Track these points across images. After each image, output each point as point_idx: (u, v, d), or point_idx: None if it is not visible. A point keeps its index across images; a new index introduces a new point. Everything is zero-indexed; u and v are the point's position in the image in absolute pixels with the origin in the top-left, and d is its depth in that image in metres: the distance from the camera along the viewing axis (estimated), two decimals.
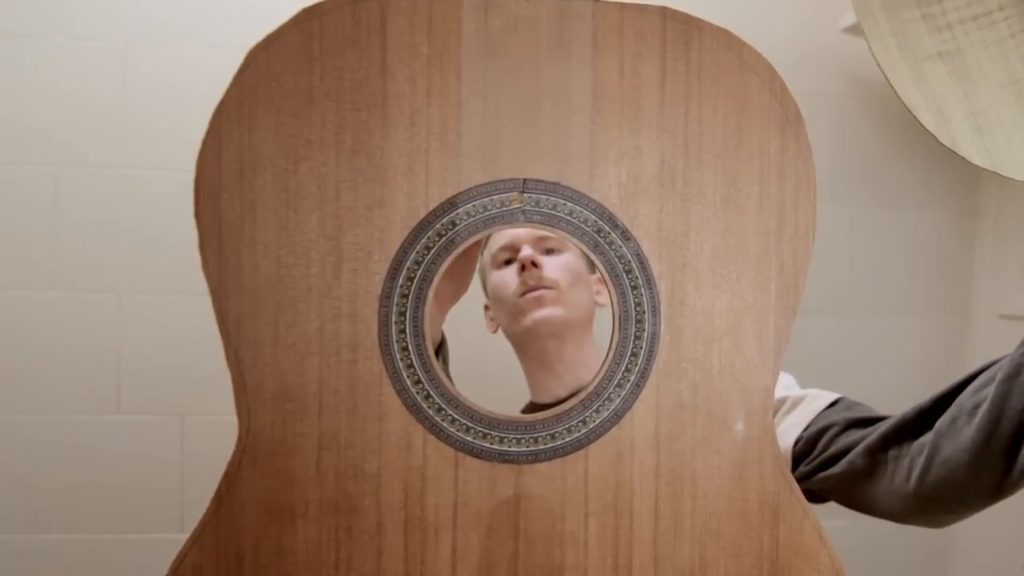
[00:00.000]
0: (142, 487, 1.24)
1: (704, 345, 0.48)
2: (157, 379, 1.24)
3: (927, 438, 0.63)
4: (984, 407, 0.58)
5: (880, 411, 0.72)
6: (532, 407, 0.86)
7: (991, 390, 0.58)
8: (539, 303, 0.78)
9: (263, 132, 0.45)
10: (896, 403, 0.76)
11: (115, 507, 1.24)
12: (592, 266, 0.86)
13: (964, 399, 0.61)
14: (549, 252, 0.82)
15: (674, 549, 0.48)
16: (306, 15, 0.45)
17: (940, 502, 0.62)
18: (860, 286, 1.40)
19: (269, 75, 0.45)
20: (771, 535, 0.49)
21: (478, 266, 0.90)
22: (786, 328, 0.49)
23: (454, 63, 0.46)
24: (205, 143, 0.45)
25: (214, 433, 1.24)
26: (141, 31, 1.22)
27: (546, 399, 0.83)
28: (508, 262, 0.83)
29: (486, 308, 0.90)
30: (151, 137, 1.22)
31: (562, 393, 0.83)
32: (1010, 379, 0.57)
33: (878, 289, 1.40)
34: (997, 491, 0.60)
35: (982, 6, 0.47)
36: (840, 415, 0.72)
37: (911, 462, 0.63)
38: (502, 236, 0.82)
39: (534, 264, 0.78)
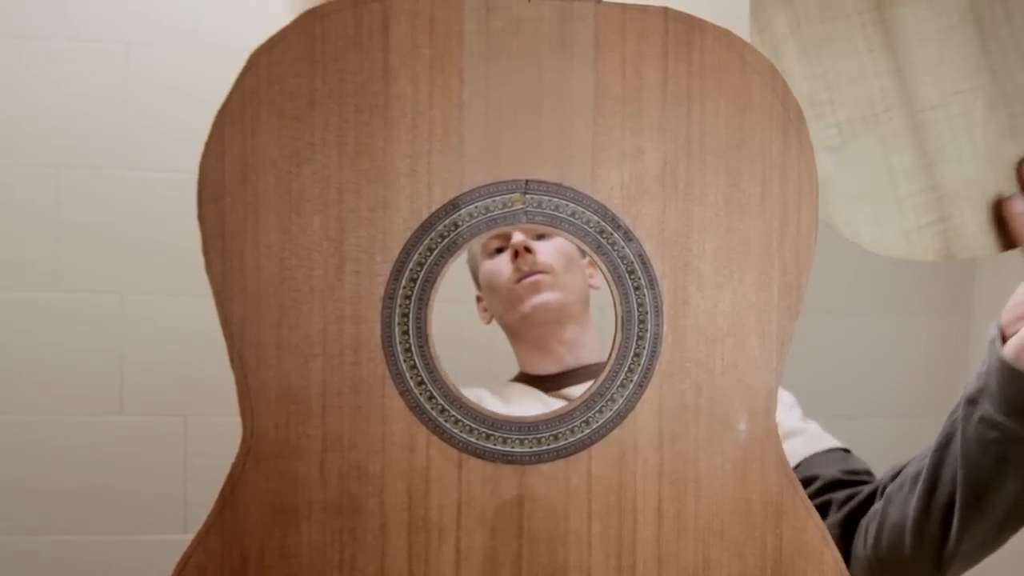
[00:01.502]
0: (144, 488, 1.24)
1: (707, 345, 0.48)
2: (159, 380, 1.24)
3: (880, 503, 0.61)
4: (922, 475, 0.56)
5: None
6: (524, 378, 0.86)
7: (927, 459, 0.57)
8: (536, 288, 0.77)
9: (266, 135, 0.45)
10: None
11: (117, 508, 1.24)
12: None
13: (910, 465, 0.59)
14: (540, 237, 0.80)
15: (677, 549, 0.48)
16: (308, 17, 0.45)
17: (892, 571, 0.60)
18: (862, 285, 1.40)
19: (271, 77, 0.45)
20: (774, 535, 0.49)
21: (467, 256, 0.88)
22: (789, 328, 0.49)
23: (456, 65, 0.46)
24: (208, 146, 0.45)
25: (216, 434, 1.24)
26: (142, 33, 1.22)
27: (538, 372, 0.83)
28: (500, 250, 0.82)
29: (478, 299, 0.89)
30: (153, 139, 1.22)
31: (554, 369, 0.82)
32: (942, 448, 0.56)
33: (880, 288, 1.40)
34: (938, 565, 0.57)
35: (870, 108, 0.53)
36: (832, 469, 0.68)
37: (867, 527, 0.61)
38: None
39: (527, 250, 0.77)
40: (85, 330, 1.21)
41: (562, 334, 0.80)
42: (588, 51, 0.47)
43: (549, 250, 0.79)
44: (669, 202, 0.48)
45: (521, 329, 0.81)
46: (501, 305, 0.81)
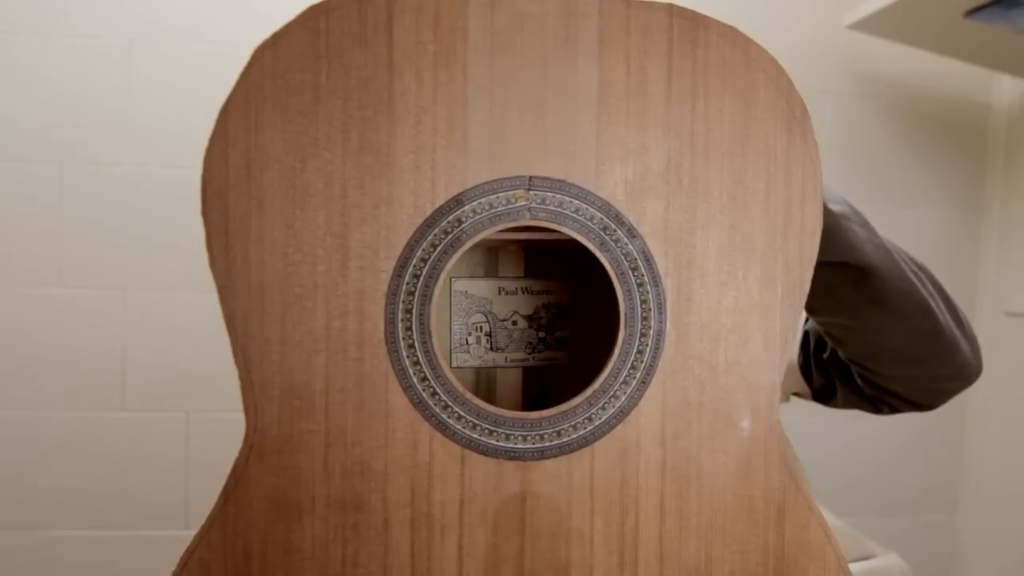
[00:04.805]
0: (147, 484, 1.24)
1: (710, 342, 0.48)
2: (162, 376, 1.24)
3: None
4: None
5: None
6: None
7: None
8: None
9: (270, 130, 0.45)
10: None
11: (119, 504, 1.24)
12: None
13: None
14: None
15: (680, 546, 0.48)
16: (312, 12, 0.45)
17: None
18: None
19: (276, 73, 0.45)
20: (777, 532, 0.49)
21: None
22: (792, 325, 0.49)
23: (460, 61, 0.46)
24: (212, 141, 0.45)
25: (218, 430, 1.24)
26: (145, 29, 1.22)
27: None
28: None
29: None
30: (155, 135, 1.22)
31: None
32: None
33: None
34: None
35: None
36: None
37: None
38: None
39: None
40: (88, 326, 1.22)
41: None
42: (592, 47, 0.47)
43: None
44: (673, 199, 0.48)
45: None
46: None
